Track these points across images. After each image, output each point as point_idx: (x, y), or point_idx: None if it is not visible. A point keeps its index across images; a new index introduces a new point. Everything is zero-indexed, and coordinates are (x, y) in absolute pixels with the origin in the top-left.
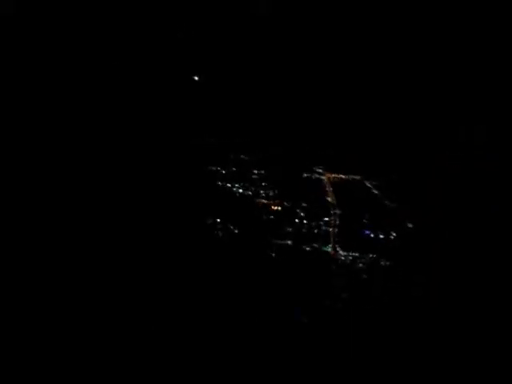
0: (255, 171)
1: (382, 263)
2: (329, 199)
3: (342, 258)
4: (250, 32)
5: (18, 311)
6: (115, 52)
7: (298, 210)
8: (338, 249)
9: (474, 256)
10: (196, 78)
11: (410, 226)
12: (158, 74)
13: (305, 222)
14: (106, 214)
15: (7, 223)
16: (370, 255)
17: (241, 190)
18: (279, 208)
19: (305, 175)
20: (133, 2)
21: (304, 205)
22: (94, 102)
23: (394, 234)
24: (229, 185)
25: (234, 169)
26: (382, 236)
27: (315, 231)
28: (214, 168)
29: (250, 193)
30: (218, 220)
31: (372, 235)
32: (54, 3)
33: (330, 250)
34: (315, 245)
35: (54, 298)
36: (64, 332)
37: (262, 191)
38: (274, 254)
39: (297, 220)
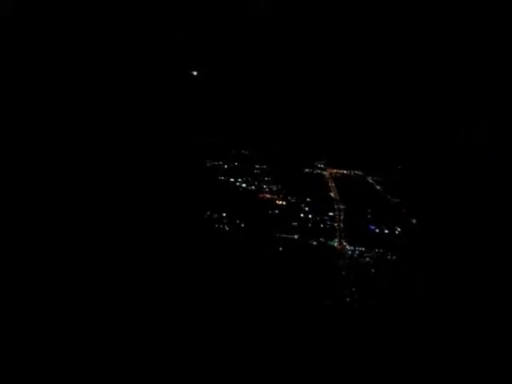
0: (257, 166)
1: (389, 258)
2: (332, 194)
3: (349, 252)
4: (250, 31)
5: (18, 311)
6: (115, 52)
7: (302, 205)
8: (344, 243)
9: (475, 254)
10: (197, 79)
11: (414, 221)
12: (157, 73)
13: (310, 216)
14: (111, 214)
15: (6, 223)
16: (377, 250)
17: (244, 185)
18: (283, 203)
19: (306, 170)
20: (133, 1)
21: (308, 200)
22: (93, 102)
23: (399, 230)
24: (232, 179)
25: (236, 164)
26: (387, 231)
27: (321, 226)
28: (215, 163)
29: (254, 188)
30: (224, 214)
31: (377, 230)
32: (53, 3)
33: (336, 244)
34: (322, 239)
35: (54, 295)
36: (63, 331)
37: (265, 186)
38: (281, 249)
39: (302, 215)
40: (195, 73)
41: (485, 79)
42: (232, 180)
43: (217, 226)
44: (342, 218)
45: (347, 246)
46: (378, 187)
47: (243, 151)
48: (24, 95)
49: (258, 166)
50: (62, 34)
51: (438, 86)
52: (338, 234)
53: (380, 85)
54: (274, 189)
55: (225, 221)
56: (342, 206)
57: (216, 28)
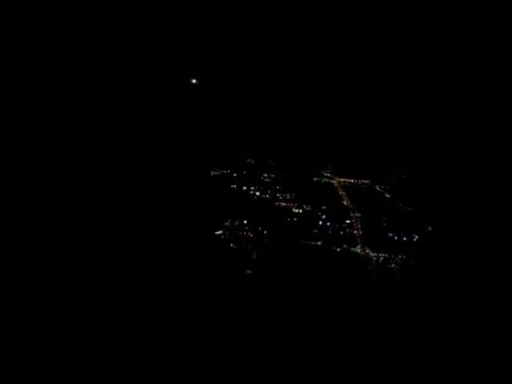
0: (265, 174)
1: (412, 264)
2: (345, 203)
3: (374, 258)
4: (253, 32)
5: (18, 311)
6: (115, 53)
7: (319, 213)
8: (367, 250)
9: (477, 255)
10: (201, 87)
11: (430, 228)
12: (163, 81)
13: (328, 224)
14: (131, 221)
15: (6, 222)
16: (400, 256)
17: (258, 194)
18: (300, 211)
19: (315, 179)
20: (133, 1)
21: (323, 208)
22: (94, 102)
23: (417, 237)
24: (244, 188)
25: (244, 172)
26: (405, 238)
27: (341, 233)
28: (224, 172)
29: (268, 196)
30: (245, 222)
31: (396, 237)
32: (53, 2)
33: (359, 251)
34: (345, 246)
35: (56, 295)
36: (63, 331)
37: (278, 194)
38: (307, 254)
39: (320, 222)
40: (195, 81)
41: (484, 84)
42: (245, 188)
43: (240, 232)
44: (359, 225)
45: (370, 253)
46: (387, 195)
47: (248, 160)
48: (23, 93)
49: (266, 175)
50: (61, 36)
51: (440, 100)
52: (359, 240)
53: (381, 94)
54: (288, 197)
55: (247, 228)
56: (357, 214)
57: (217, 28)
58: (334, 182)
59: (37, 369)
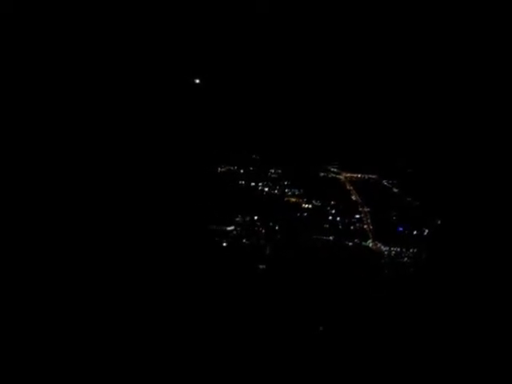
0: (272, 170)
1: (424, 257)
2: (353, 198)
3: (386, 252)
4: (254, 31)
5: (18, 310)
6: (115, 53)
7: (328, 208)
8: (378, 244)
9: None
10: (204, 85)
11: (439, 222)
12: (166, 81)
13: (338, 219)
14: (140, 218)
15: (6, 223)
16: (411, 250)
17: (266, 189)
18: (309, 206)
19: (322, 174)
20: (133, 2)
21: (332, 203)
22: (99, 103)
23: (427, 230)
24: (253, 184)
25: (251, 168)
26: (416, 232)
27: (351, 228)
28: (231, 168)
29: (276, 192)
30: (256, 217)
31: (407, 231)
32: (53, 2)
33: (371, 245)
34: (356, 240)
35: (55, 296)
36: (63, 332)
37: (287, 190)
38: (320, 249)
39: (330, 217)
40: (198, 81)
41: (486, 85)
42: (253, 184)
43: (252, 228)
44: (369, 220)
45: (382, 247)
46: (395, 190)
47: (254, 156)
48: (23, 93)
49: (272, 171)
50: (61, 37)
51: (443, 100)
52: (370, 235)
53: (387, 89)
54: (297, 193)
55: (258, 223)
56: (366, 209)
57: (217, 29)
58: (340, 177)
59: (37, 369)
